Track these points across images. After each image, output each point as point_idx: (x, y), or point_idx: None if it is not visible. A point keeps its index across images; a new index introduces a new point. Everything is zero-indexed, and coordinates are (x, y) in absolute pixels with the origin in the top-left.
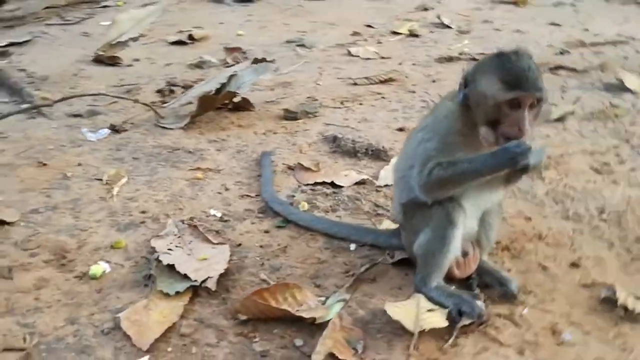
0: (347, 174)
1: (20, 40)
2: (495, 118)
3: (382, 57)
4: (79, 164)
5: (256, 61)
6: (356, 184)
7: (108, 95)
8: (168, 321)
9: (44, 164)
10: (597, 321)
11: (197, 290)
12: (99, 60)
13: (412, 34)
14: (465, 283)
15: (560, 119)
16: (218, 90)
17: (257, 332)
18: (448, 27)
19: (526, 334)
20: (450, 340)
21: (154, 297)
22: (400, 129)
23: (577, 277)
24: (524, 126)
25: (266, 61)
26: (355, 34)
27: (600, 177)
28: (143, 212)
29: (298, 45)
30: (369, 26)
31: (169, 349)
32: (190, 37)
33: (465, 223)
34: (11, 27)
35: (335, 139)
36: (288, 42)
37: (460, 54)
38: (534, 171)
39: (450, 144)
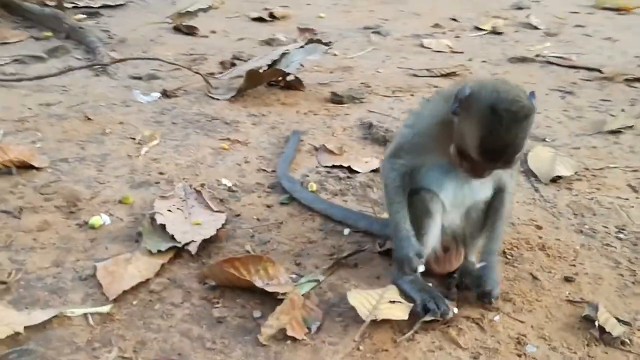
0: (367, 161)
1: (114, 4)
2: (465, 154)
3: (454, 51)
4: (121, 123)
5: (310, 41)
6: (372, 171)
7: (164, 61)
8: (142, 276)
9: (89, 119)
10: (569, 338)
11: (180, 252)
12: (177, 29)
13: (495, 32)
14: (446, 280)
15: (616, 132)
16: (270, 67)
17: (222, 298)
18: (536, 28)
19: (488, 340)
20: (408, 334)
21: (138, 252)
22: None
23: (565, 291)
24: (483, 177)
25: (321, 43)
26: (436, 25)
27: (634, 195)
28: (161, 173)
29: (373, 32)
30: (454, 19)
31: (135, 302)
32: (271, 15)
33: (446, 217)
34: None
35: (370, 126)
36: (365, 28)
37: (537, 55)
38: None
39: (422, 143)
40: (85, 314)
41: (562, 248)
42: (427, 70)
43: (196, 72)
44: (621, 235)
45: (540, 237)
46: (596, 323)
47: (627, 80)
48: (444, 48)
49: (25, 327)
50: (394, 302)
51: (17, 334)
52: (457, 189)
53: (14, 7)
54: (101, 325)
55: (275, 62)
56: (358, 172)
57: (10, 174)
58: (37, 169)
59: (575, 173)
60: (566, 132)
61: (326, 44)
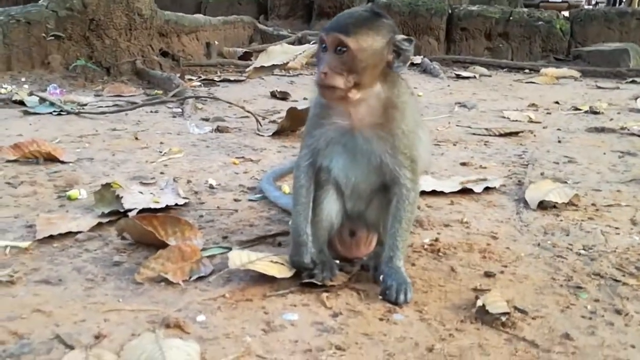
0: None
1: (233, 79)
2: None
3: (532, 121)
4: (161, 143)
5: None
6: None
7: (224, 102)
8: (74, 228)
9: (137, 139)
10: (447, 315)
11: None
12: (274, 95)
13: (593, 111)
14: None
15: None
16: None
17: (131, 251)
18: None
19: (359, 306)
20: (281, 292)
21: (89, 215)
22: (463, 164)
23: (478, 283)
24: (321, 67)
25: None
26: (532, 105)
27: (629, 227)
28: (162, 173)
29: (461, 106)
30: (557, 102)
31: (55, 245)
32: None
33: (348, 201)
34: None
35: None
36: (457, 103)
37: (622, 128)
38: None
39: (318, 114)
40: (6, 246)
41: (506, 254)
42: (486, 129)
43: (248, 112)
44: (582, 252)
45: (488, 244)
46: (479, 302)
47: None
48: (522, 118)
49: None
50: (275, 262)
51: None
52: (348, 166)
53: (142, 74)
54: (14, 255)
55: None
56: None
57: (37, 163)
58: (62, 162)
59: (572, 204)
60: (597, 179)
61: None
